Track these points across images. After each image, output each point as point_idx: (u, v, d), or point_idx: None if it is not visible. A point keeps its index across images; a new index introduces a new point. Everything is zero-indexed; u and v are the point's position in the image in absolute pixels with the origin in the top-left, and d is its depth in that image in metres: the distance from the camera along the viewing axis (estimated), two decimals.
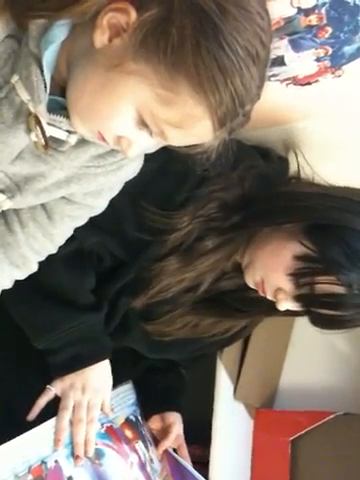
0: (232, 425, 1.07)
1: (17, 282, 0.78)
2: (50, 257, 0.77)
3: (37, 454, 0.78)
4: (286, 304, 0.84)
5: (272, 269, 0.84)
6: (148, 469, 0.90)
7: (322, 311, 0.82)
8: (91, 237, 0.84)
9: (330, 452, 1.08)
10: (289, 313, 0.89)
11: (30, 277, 0.78)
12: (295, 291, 0.82)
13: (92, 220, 0.77)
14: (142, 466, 0.88)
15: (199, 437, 1.05)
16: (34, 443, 0.79)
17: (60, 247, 0.78)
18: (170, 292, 0.88)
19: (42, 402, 0.85)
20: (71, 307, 0.85)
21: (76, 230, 0.77)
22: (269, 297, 0.86)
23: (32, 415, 0.84)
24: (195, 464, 1.09)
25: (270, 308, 0.89)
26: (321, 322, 0.84)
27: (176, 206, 0.84)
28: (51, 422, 0.81)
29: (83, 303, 0.87)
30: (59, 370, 0.86)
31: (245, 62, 0.57)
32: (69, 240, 0.78)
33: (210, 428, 1.01)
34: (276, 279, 0.83)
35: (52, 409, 0.84)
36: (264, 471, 1.09)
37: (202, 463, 1.06)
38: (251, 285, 0.88)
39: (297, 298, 0.83)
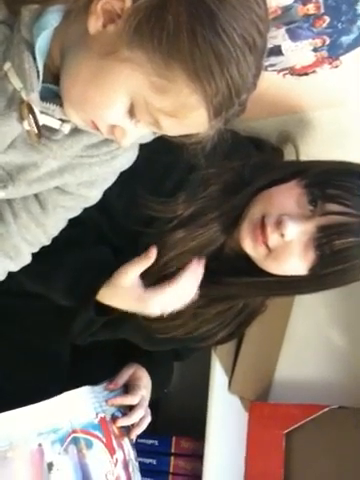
0: (226, 418, 1.06)
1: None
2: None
3: (22, 433, 0.78)
4: (293, 226, 0.78)
5: (274, 202, 0.80)
6: (130, 469, 0.89)
7: (333, 218, 0.77)
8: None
9: (324, 445, 1.08)
10: (282, 286, 0.85)
11: None
12: (305, 204, 0.79)
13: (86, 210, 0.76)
14: (126, 465, 0.88)
15: (193, 430, 1.05)
16: (20, 422, 0.78)
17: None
18: (172, 266, 0.86)
19: None
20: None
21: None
22: (270, 231, 0.79)
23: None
24: (189, 457, 1.09)
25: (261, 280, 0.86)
26: (332, 237, 0.78)
27: (166, 193, 0.83)
28: (40, 405, 0.80)
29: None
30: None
31: (242, 50, 0.56)
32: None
33: (204, 421, 1.01)
34: (280, 206, 0.79)
35: (43, 389, 0.83)
36: (258, 464, 1.09)
37: (196, 456, 1.06)
38: (246, 234, 0.82)
39: (309, 201, 0.79)
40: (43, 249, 0.78)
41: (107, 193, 0.76)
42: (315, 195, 0.79)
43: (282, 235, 0.79)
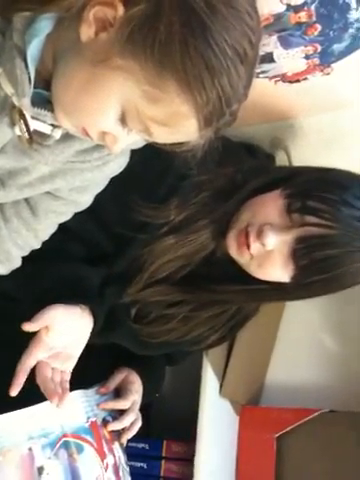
0: (218, 422, 1.07)
1: None
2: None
3: (12, 438, 0.78)
4: (272, 236, 0.80)
5: (258, 211, 0.82)
6: (121, 473, 0.89)
7: (313, 230, 0.78)
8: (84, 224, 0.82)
9: (315, 449, 1.08)
10: (269, 291, 0.86)
11: None
12: (285, 215, 0.80)
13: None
14: (116, 469, 0.88)
15: (184, 434, 1.05)
16: (11, 426, 0.78)
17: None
18: (162, 272, 0.87)
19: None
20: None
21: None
22: (252, 240, 0.81)
23: None
24: (180, 461, 1.09)
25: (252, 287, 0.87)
26: (311, 248, 0.79)
27: (159, 199, 0.83)
28: (31, 409, 0.80)
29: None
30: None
31: (233, 62, 0.57)
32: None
33: (196, 425, 1.01)
34: (263, 215, 0.81)
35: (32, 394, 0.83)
36: (250, 468, 1.09)
37: (187, 460, 1.06)
38: (232, 241, 0.84)
39: (289, 212, 0.80)
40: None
41: (100, 198, 0.76)
42: (295, 206, 0.80)
43: (263, 244, 0.81)
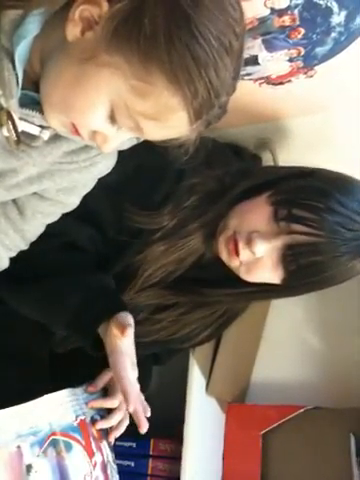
0: (204, 420, 1.07)
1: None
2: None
3: (1, 436, 0.77)
4: (261, 244, 0.81)
5: (245, 219, 0.83)
6: (109, 471, 0.89)
7: (299, 238, 0.79)
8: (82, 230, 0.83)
9: (300, 445, 1.09)
10: (257, 292, 0.88)
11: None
12: (273, 223, 0.81)
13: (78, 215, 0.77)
14: (104, 467, 0.88)
15: (172, 432, 1.06)
16: (0, 424, 0.78)
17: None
18: (156, 277, 0.88)
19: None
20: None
21: (68, 225, 0.77)
22: (242, 247, 0.82)
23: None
24: (167, 459, 1.10)
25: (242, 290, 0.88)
26: (298, 256, 0.80)
27: (155, 205, 0.84)
28: (19, 407, 0.80)
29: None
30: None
31: (218, 52, 0.57)
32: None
33: (182, 423, 1.02)
34: (250, 223, 0.82)
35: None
36: (236, 465, 1.10)
37: (175, 458, 1.07)
38: (222, 247, 0.85)
39: (276, 220, 0.81)
40: (42, 273, 0.79)
41: (97, 204, 0.77)
42: (282, 214, 0.81)
43: (252, 252, 0.82)
